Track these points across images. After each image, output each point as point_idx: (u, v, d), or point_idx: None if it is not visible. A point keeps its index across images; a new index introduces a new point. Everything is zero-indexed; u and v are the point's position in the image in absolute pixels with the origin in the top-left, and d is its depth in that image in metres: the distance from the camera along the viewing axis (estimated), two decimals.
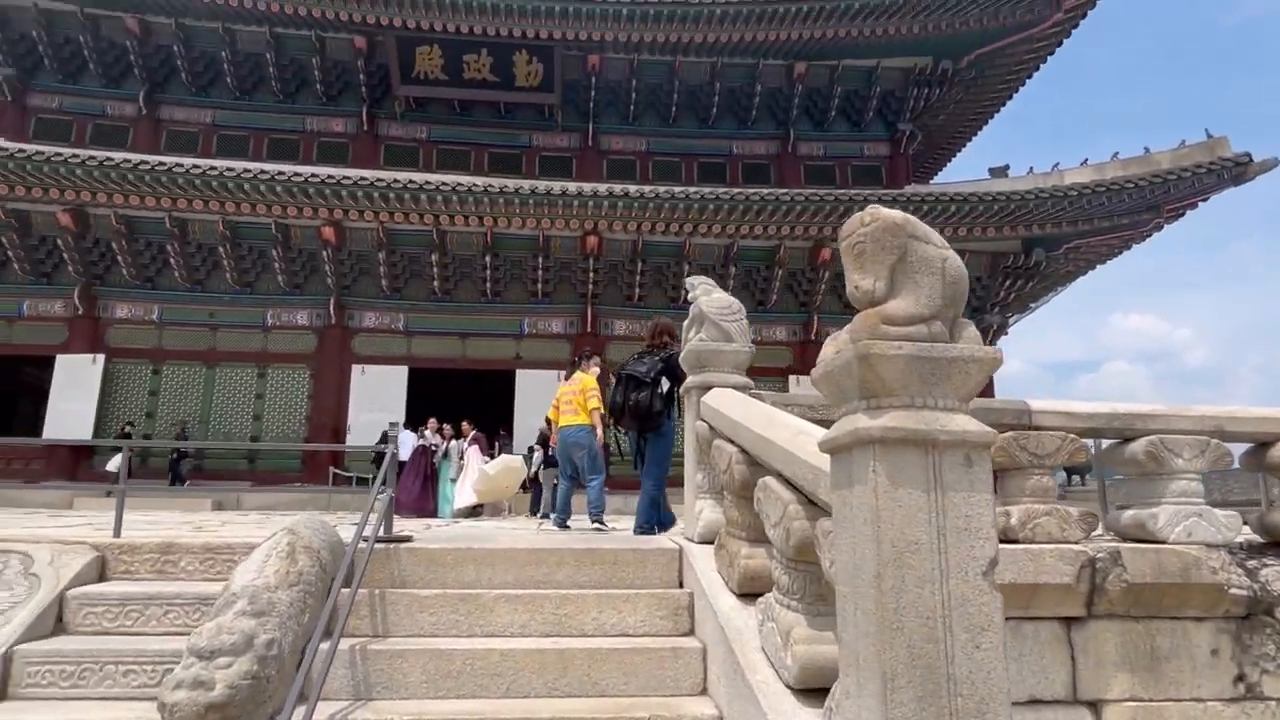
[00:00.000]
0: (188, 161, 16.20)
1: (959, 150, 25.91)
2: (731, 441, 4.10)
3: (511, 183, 17.04)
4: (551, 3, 18.64)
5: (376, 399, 18.37)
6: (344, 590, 4.17)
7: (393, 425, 15.32)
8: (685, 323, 5.37)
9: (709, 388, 4.88)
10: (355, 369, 18.72)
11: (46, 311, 18.06)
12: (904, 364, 2.25)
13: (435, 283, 18.97)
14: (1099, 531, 4.95)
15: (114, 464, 16.31)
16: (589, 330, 19.45)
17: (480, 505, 12.44)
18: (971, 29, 20.20)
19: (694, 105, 22.03)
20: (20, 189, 16.05)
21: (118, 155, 16.37)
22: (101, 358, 17.81)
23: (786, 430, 3.28)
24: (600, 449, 7.29)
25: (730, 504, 4.04)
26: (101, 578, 4.31)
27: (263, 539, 4.46)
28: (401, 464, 15.54)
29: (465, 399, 18.39)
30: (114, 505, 12.52)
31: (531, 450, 13.53)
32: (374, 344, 19.07)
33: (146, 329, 18.42)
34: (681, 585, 4.50)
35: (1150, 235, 19.41)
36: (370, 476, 17.37)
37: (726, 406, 4.24)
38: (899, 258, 2.37)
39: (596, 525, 7.34)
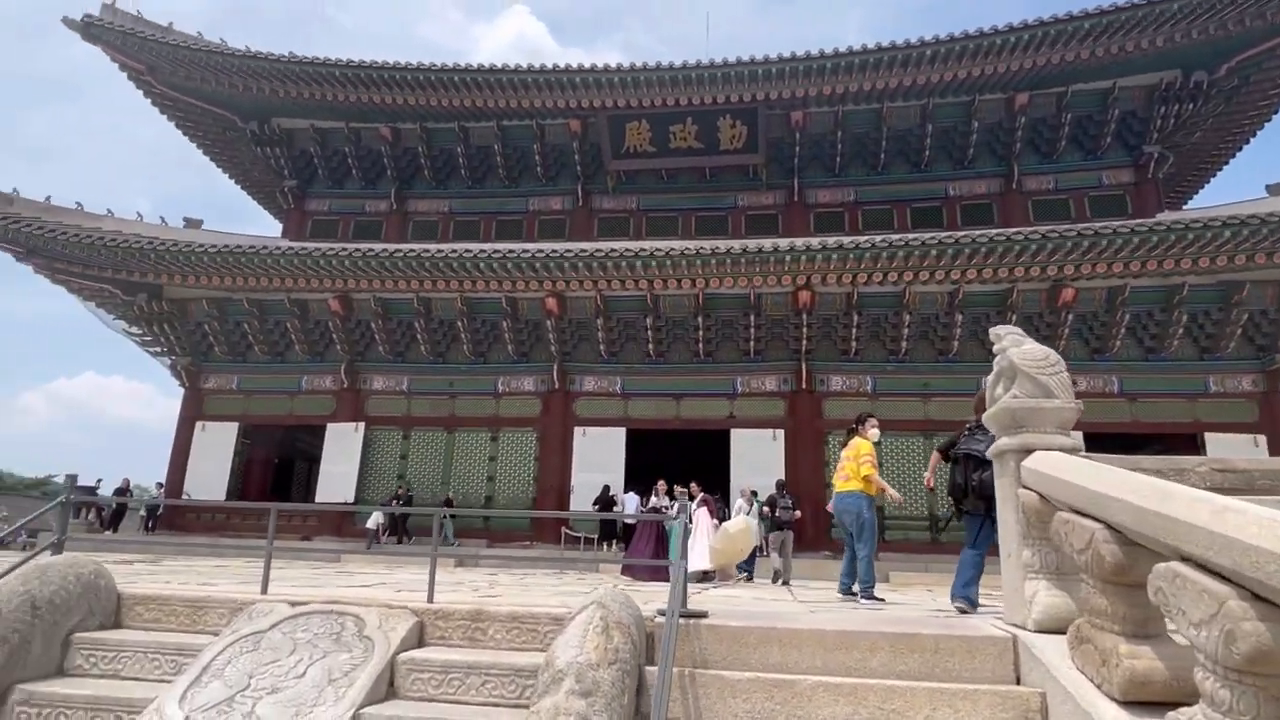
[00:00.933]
0: (432, 247, 17.99)
1: (1219, 169, 22.72)
2: (1087, 515, 3.52)
3: (721, 244, 17.15)
4: (754, 66, 18.94)
5: (596, 460, 18.96)
6: (650, 669, 4.03)
7: (661, 492, 14.40)
8: (989, 378, 4.85)
9: (1029, 451, 4.30)
10: (576, 431, 19.46)
11: (319, 386, 20.64)
12: None
13: (649, 345, 19.41)
14: None
15: (372, 521, 18.07)
16: (803, 387, 18.91)
17: (710, 571, 12.12)
18: (1230, 33, 17.86)
19: (903, 150, 21.24)
20: (302, 281, 18.63)
21: (376, 246, 18.53)
22: (362, 425, 19.95)
23: (1202, 506, 2.70)
24: (873, 517, 6.78)
25: (1093, 590, 3.44)
26: (420, 642, 4.50)
27: (564, 610, 4.47)
28: (628, 528, 15.76)
29: (680, 459, 18.43)
30: (376, 560, 13.60)
31: (764, 511, 13.12)
32: (593, 407, 19.76)
33: (397, 398, 20.42)
34: (1019, 681, 3.90)
35: None
36: (595, 537, 17.93)
37: (1073, 474, 3.67)
38: None
39: (866, 599, 6.77)
